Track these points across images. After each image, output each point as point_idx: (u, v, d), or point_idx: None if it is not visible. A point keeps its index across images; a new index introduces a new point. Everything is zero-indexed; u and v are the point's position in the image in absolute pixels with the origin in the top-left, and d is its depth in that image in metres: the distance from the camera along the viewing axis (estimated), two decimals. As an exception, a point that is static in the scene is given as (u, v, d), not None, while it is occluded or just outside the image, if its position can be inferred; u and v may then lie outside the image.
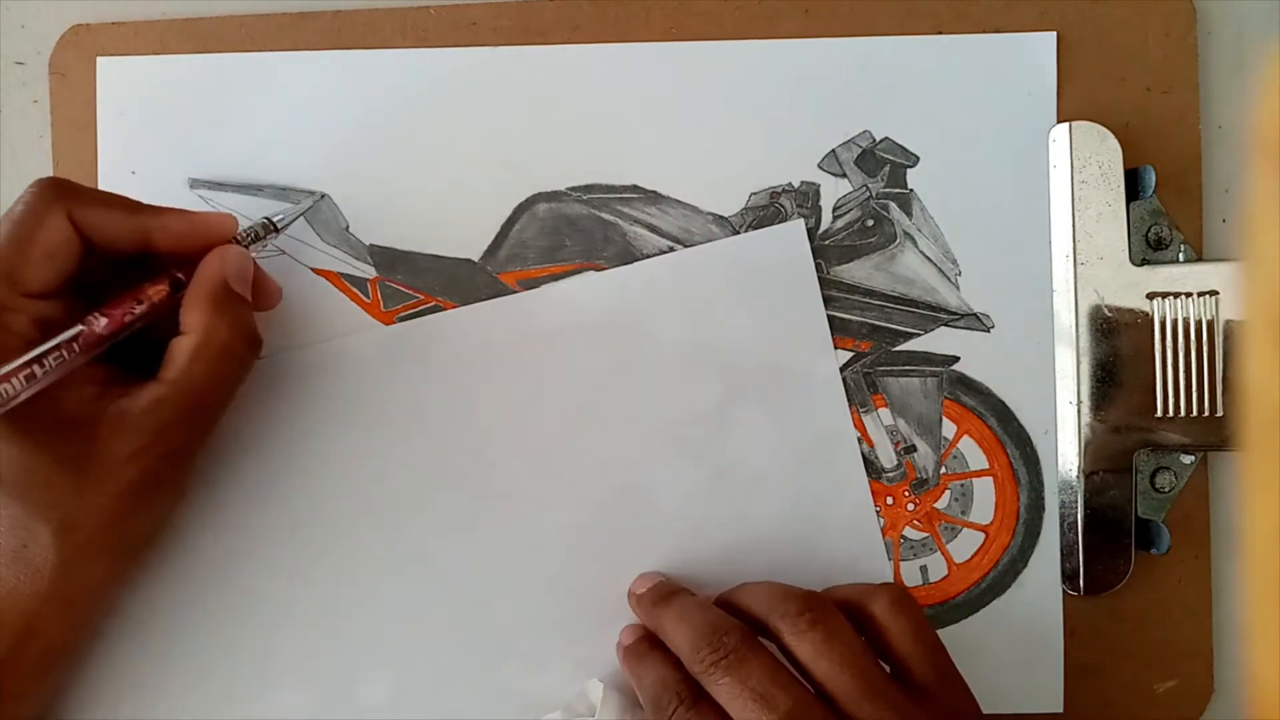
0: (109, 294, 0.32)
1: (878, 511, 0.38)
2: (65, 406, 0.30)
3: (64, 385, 0.30)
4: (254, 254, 0.35)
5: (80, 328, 0.30)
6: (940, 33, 0.38)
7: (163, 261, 0.33)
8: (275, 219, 0.36)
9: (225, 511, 0.37)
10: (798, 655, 0.30)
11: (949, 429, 0.38)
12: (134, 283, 0.32)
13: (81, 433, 0.30)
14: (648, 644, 0.34)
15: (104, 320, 0.30)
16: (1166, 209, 0.37)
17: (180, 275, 0.32)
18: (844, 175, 0.38)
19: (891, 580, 0.38)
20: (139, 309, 0.31)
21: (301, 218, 0.37)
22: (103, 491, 0.30)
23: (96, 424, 0.30)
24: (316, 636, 0.37)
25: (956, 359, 0.38)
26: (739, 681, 0.29)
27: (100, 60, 0.38)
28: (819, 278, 0.38)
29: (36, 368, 0.28)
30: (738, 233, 0.38)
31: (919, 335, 0.38)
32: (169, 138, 0.38)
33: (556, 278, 0.38)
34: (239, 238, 0.34)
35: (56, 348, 0.29)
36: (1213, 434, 0.36)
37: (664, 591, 0.35)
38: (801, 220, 0.38)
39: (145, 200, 0.33)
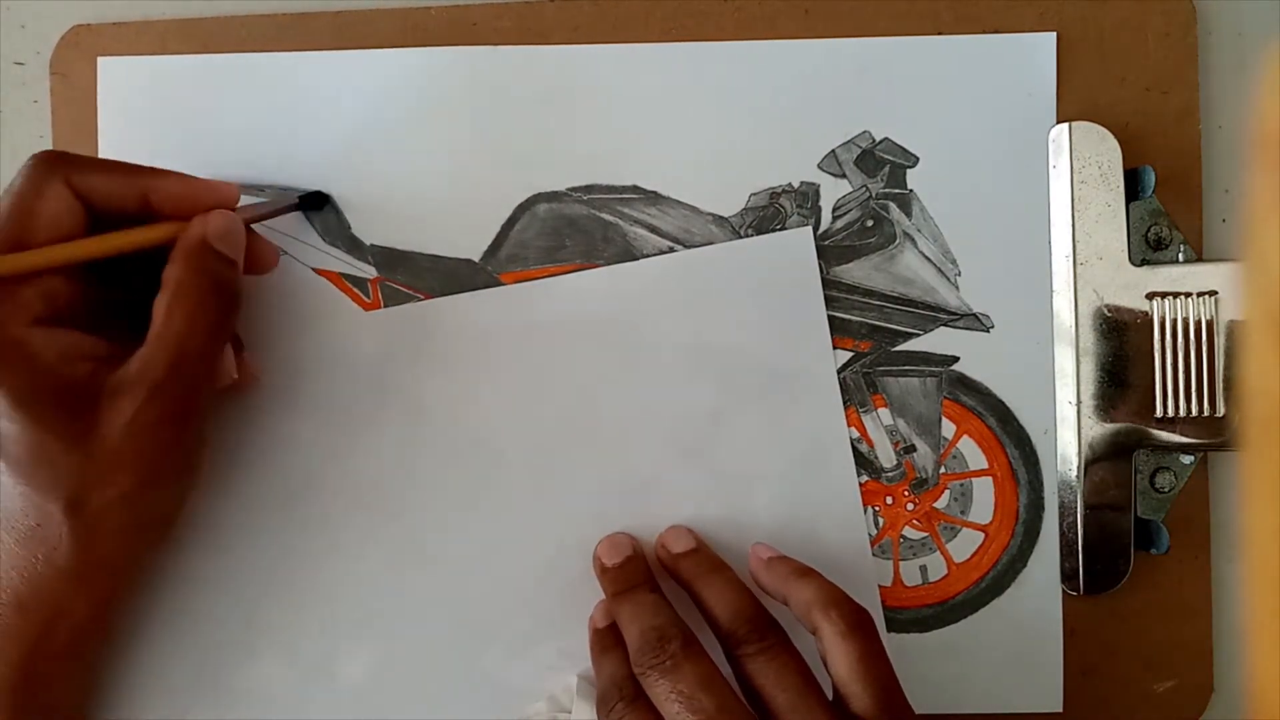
0: (117, 269, 0.32)
1: (876, 511, 0.38)
2: (65, 382, 0.30)
3: (64, 361, 0.30)
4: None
5: None
6: (940, 33, 0.38)
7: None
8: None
9: (220, 486, 0.37)
10: (745, 672, 0.32)
11: (948, 429, 0.38)
12: (142, 261, 0.32)
13: (82, 407, 0.30)
14: (612, 637, 0.35)
15: None
16: (1166, 209, 0.37)
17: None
18: (844, 175, 0.38)
19: (882, 580, 0.38)
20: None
21: (302, 217, 0.37)
22: (108, 466, 0.30)
23: (97, 397, 0.30)
24: (302, 611, 0.37)
25: (956, 359, 0.38)
26: (671, 685, 0.31)
27: (101, 60, 0.38)
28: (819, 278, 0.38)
29: None
30: (738, 233, 0.38)
31: (919, 335, 0.38)
32: (169, 138, 0.38)
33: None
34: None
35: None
36: (1213, 434, 0.36)
37: (623, 584, 0.35)
38: (809, 227, 0.38)
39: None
